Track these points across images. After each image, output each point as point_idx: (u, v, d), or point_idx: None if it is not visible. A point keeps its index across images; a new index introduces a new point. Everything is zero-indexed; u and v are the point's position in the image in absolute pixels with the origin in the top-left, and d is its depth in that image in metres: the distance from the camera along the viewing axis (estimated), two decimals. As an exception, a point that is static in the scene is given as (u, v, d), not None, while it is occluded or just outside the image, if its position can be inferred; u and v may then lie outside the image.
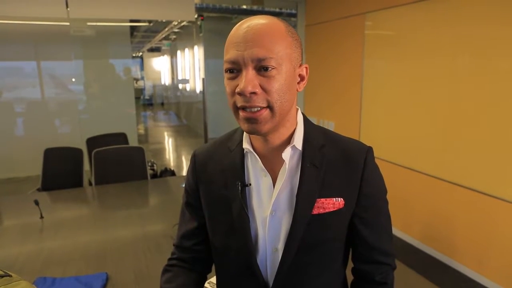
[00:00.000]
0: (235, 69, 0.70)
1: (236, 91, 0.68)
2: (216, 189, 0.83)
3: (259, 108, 0.69)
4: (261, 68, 0.68)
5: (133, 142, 5.06)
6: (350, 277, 0.90)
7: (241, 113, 0.70)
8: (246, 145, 0.79)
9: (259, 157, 0.78)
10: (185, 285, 0.88)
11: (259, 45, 0.67)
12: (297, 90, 0.75)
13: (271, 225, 0.78)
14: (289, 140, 0.78)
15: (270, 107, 0.69)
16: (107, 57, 5.60)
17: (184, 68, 10.15)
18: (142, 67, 15.76)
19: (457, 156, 2.46)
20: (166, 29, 8.57)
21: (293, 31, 0.73)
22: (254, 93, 0.68)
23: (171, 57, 12.57)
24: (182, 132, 9.54)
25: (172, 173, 4.25)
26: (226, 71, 0.71)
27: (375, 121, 3.20)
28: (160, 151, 7.39)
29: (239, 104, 0.70)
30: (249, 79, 0.67)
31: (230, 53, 0.69)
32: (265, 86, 0.68)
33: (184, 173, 5.21)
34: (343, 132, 0.86)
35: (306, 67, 0.76)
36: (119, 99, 5.75)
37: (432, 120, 2.62)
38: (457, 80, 2.42)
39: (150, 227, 2.01)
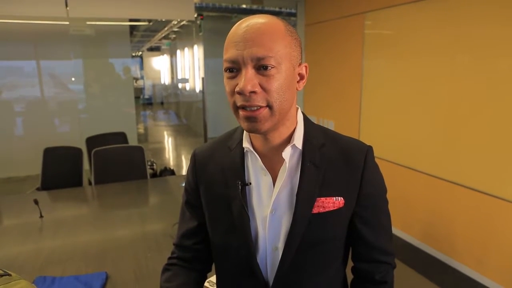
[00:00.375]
0: (234, 68, 0.69)
1: (235, 90, 0.68)
2: (216, 188, 0.83)
3: (258, 107, 0.69)
4: (261, 67, 0.67)
5: (132, 141, 5.05)
6: (350, 276, 0.90)
7: (241, 112, 0.70)
8: (246, 144, 0.79)
9: (259, 156, 0.78)
10: (185, 284, 0.88)
11: (258, 44, 0.67)
12: (296, 89, 0.75)
13: (271, 224, 0.78)
14: (289, 139, 0.78)
15: (269, 106, 0.69)
16: (107, 57, 5.59)
17: (184, 67, 10.14)
18: (141, 67, 15.75)
19: (457, 156, 2.46)
20: (166, 28, 8.56)
21: (292, 30, 0.73)
22: (253, 92, 0.67)
23: (171, 57, 12.56)
24: (181, 131, 9.53)
25: (172, 172, 4.25)
26: (225, 70, 0.71)
27: (375, 120, 3.20)
28: (159, 151, 7.38)
29: (238, 103, 0.70)
30: (248, 78, 0.67)
31: (229, 52, 0.69)
32: (264, 85, 0.68)
33: (184, 172, 5.20)
34: (342, 131, 0.86)
35: (305, 66, 0.76)
36: (119, 98, 5.74)
37: (432, 119, 2.62)
38: (457, 79, 2.42)
39: (149, 227, 2.01)
